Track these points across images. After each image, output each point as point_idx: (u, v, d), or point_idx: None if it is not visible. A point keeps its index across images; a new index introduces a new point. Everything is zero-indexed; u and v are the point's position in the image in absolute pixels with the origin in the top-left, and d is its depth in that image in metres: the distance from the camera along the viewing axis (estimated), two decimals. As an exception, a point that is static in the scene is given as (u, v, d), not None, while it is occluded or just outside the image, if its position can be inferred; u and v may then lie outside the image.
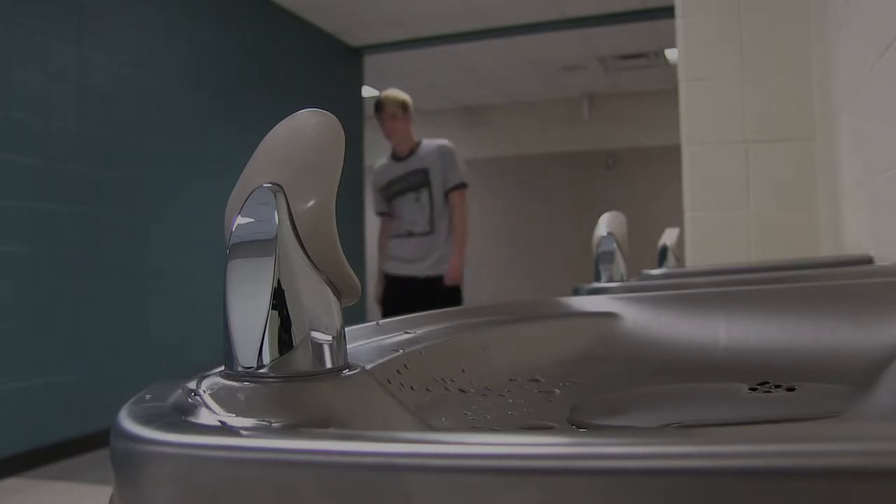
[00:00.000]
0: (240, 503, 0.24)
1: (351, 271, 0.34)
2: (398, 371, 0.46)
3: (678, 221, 1.99)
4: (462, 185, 3.61)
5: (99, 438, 3.61)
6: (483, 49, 6.37)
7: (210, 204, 4.32)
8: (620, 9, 5.48)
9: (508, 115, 8.47)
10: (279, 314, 0.32)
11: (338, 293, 0.34)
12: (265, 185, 0.33)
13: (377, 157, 4.03)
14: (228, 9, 4.83)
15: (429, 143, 3.67)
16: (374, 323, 0.57)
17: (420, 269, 3.57)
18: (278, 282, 0.32)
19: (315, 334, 0.32)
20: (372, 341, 0.51)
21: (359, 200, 6.17)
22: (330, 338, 0.33)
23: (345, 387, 0.33)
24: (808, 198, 1.98)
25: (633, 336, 0.64)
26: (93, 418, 3.59)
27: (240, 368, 0.32)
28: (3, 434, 3.25)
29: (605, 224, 1.09)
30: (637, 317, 0.66)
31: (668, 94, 5.02)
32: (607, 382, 0.56)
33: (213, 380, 0.32)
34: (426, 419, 0.41)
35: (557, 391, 0.52)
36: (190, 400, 0.31)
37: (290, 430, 0.29)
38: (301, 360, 0.32)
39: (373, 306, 4.03)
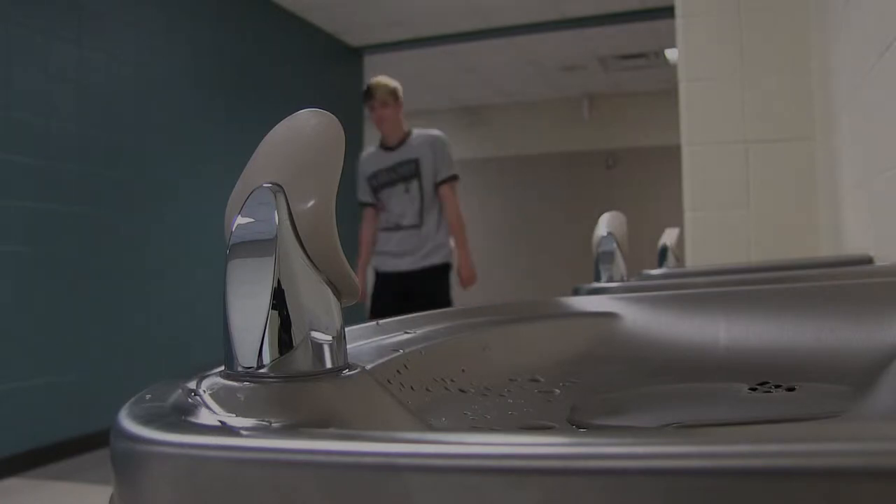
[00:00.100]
0: (240, 503, 0.24)
1: (351, 271, 0.34)
2: (398, 371, 0.46)
3: (678, 221, 1.98)
4: (454, 178, 3.47)
5: (99, 438, 3.61)
6: (483, 49, 6.37)
7: (210, 204, 4.32)
8: (620, 9, 5.48)
9: (508, 115, 8.47)
10: (279, 314, 0.32)
11: (338, 293, 0.34)
12: (265, 185, 0.33)
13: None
14: (228, 9, 4.83)
15: (420, 132, 3.53)
16: (374, 323, 0.57)
17: (408, 263, 3.42)
18: (278, 282, 0.32)
19: (315, 334, 0.32)
20: (372, 341, 0.51)
21: (359, 200, 6.16)
22: (330, 338, 0.33)
23: (345, 387, 0.33)
24: (808, 198, 1.98)
25: (633, 336, 0.64)
26: (93, 418, 3.59)
27: (240, 368, 0.32)
28: (3, 434, 3.25)
29: (605, 224, 1.09)
30: (637, 317, 0.66)
31: (668, 94, 5.02)
32: (607, 382, 0.56)
33: (213, 380, 0.32)
34: (426, 419, 0.41)
35: (557, 391, 0.52)
36: (190, 400, 0.31)
37: (290, 430, 0.29)
38: (301, 360, 0.32)
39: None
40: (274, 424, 0.29)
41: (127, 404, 0.31)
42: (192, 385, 0.33)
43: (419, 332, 0.56)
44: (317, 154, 0.33)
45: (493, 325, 0.63)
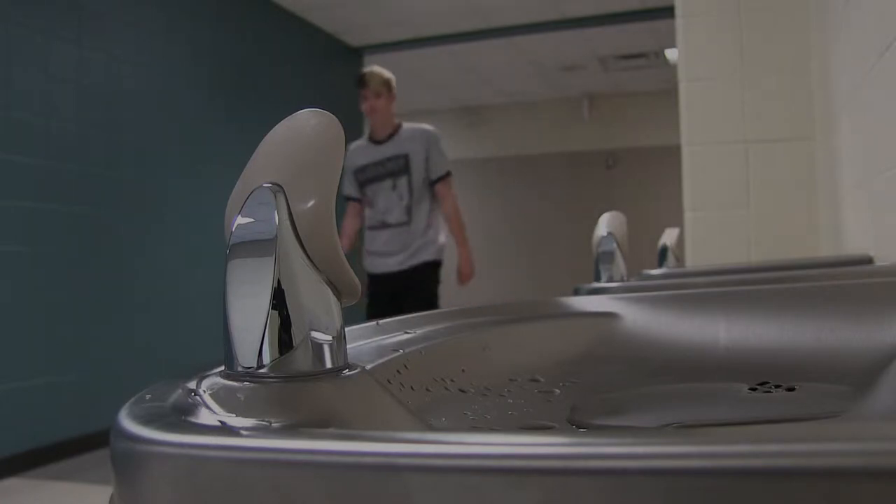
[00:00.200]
0: (240, 503, 0.24)
1: (351, 271, 0.34)
2: (398, 371, 0.46)
3: (678, 221, 1.98)
4: (449, 175, 3.35)
5: (99, 438, 3.61)
6: (483, 49, 6.37)
7: (210, 204, 4.32)
8: (620, 9, 5.48)
9: (508, 115, 8.47)
10: (279, 314, 0.32)
11: (338, 293, 0.34)
12: (265, 185, 0.33)
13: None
14: (228, 9, 4.83)
15: (410, 127, 3.37)
16: (374, 323, 0.57)
17: (395, 263, 3.29)
18: (278, 282, 0.32)
19: (315, 334, 0.32)
20: (372, 341, 0.52)
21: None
22: (330, 338, 0.33)
23: (345, 387, 0.33)
24: (808, 198, 1.98)
25: (633, 336, 0.64)
26: (93, 418, 3.59)
27: (240, 368, 0.32)
28: (3, 434, 3.25)
29: (605, 224, 1.09)
30: (637, 317, 0.66)
31: (668, 94, 5.01)
32: (607, 382, 0.56)
33: (213, 380, 0.32)
34: (426, 419, 0.41)
35: (557, 391, 0.52)
36: (190, 400, 0.31)
37: (290, 430, 0.29)
38: (301, 360, 0.32)
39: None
40: (274, 424, 0.29)
41: (127, 404, 0.31)
42: (192, 385, 0.33)
43: (419, 332, 0.56)
44: (317, 154, 0.33)
45: (493, 325, 0.63)
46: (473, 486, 0.21)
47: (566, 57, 6.79)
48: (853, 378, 0.48)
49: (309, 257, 0.32)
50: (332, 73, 6.02)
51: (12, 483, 3.17)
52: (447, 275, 3.49)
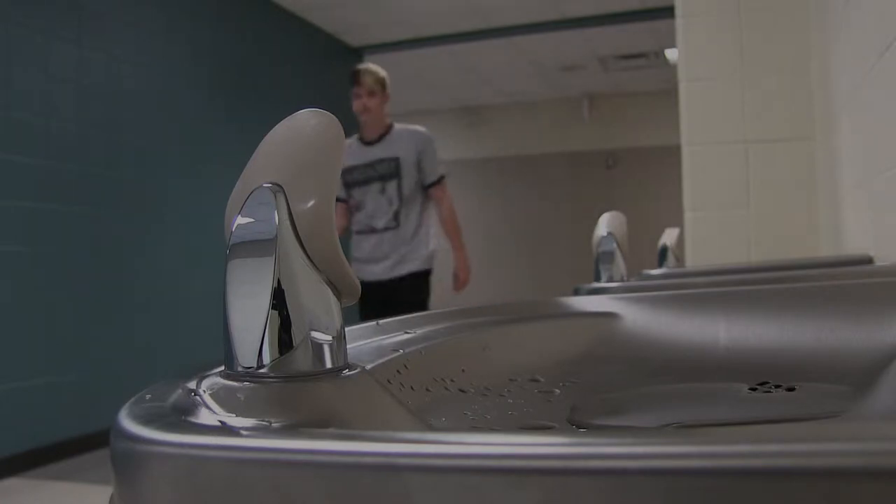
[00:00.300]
0: (240, 503, 0.24)
1: (351, 271, 0.34)
2: (398, 371, 0.46)
3: (678, 221, 1.98)
4: (443, 178, 3.22)
5: (99, 438, 3.61)
6: (483, 49, 6.37)
7: (210, 204, 4.32)
8: (620, 9, 5.48)
9: (508, 115, 8.47)
10: (279, 314, 0.32)
11: (338, 293, 0.34)
12: (265, 185, 0.33)
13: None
14: (228, 9, 4.83)
15: (402, 128, 3.22)
16: (374, 323, 0.57)
17: (382, 270, 3.14)
18: (278, 282, 0.32)
19: (315, 334, 0.32)
20: (372, 341, 0.52)
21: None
22: (330, 338, 0.33)
23: (345, 387, 0.33)
24: (808, 198, 1.98)
25: (633, 336, 0.64)
26: (93, 418, 3.59)
27: (240, 368, 0.32)
28: (3, 434, 3.25)
29: (605, 224, 1.09)
30: (637, 317, 0.66)
31: (668, 94, 5.01)
32: (607, 382, 0.56)
33: (213, 380, 0.32)
34: (426, 419, 0.41)
35: (557, 391, 0.52)
36: (190, 400, 0.31)
37: (290, 430, 0.29)
38: (301, 360, 0.32)
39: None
40: (274, 424, 0.29)
41: (127, 404, 0.31)
42: (192, 385, 0.33)
43: (419, 332, 0.56)
44: (317, 154, 0.33)
45: (493, 325, 0.63)
46: (473, 486, 0.21)
47: (566, 57, 6.79)
48: (853, 378, 0.48)
49: (309, 257, 0.32)
50: (332, 73, 6.02)
51: (12, 483, 3.17)
52: (443, 280, 3.40)
